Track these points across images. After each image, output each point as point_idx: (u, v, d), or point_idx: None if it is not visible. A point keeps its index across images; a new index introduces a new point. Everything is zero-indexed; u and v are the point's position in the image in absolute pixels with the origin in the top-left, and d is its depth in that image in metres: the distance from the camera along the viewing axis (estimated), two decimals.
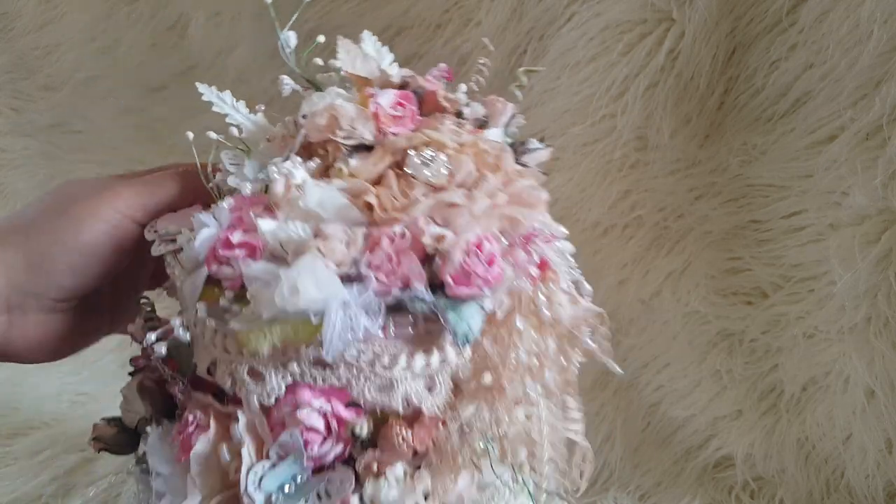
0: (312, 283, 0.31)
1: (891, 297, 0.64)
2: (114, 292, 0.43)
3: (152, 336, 0.35)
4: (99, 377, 0.94)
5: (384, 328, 0.34)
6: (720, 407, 0.74)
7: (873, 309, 0.65)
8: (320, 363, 0.34)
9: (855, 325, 0.66)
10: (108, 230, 0.39)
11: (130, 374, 0.42)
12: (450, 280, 0.33)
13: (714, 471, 0.75)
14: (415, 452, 0.36)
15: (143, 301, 0.42)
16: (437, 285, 0.34)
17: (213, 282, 0.35)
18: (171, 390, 0.39)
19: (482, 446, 0.37)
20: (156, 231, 0.39)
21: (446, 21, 0.79)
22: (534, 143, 0.41)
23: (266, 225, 0.34)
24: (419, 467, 0.36)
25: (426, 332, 0.35)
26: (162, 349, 0.35)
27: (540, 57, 0.74)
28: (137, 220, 0.40)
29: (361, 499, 0.35)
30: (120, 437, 0.42)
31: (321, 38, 0.41)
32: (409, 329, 0.34)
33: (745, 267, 0.72)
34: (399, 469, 0.35)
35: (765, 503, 0.72)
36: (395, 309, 0.34)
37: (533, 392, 0.37)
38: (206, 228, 0.35)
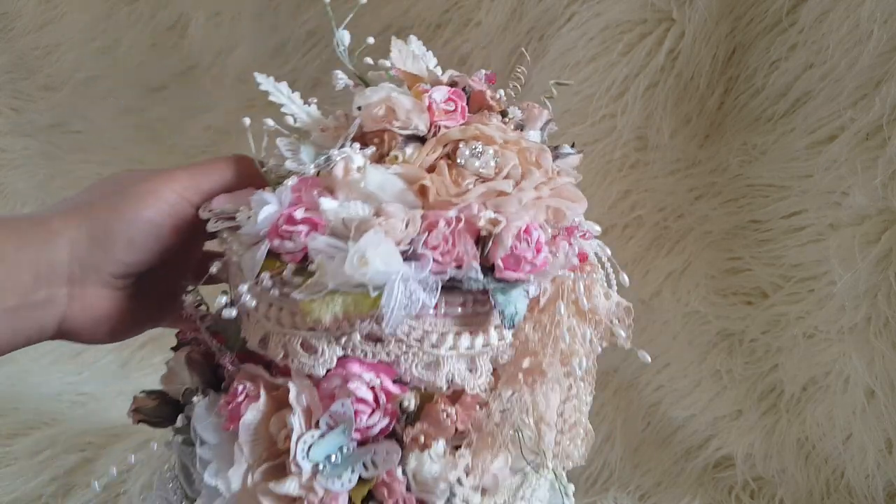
0: (378, 256, 0.33)
1: (891, 297, 0.64)
2: (164, 281, 0.44)
3: (223, 299, 0.37)
4: (99, 377, 0.94)
5: (435, 306, 0.35)
6: (720, 407, 0.74)
7: (873, 309, 0.65)
8: (372, 338, 0.36)
9: (855, 325, 0.66)
10: (167, 209, 0.41)
11: (173, 348, 0.43)
12: (500, 263, 0.36)
13: (714, 471, 0.75)
14: (455, 431, 0.38)
15: (188, 288, 0.43)
16: (486, 269, 0.36)
17: (272, 256, 0.37)
18: (220, 362, 0.40)
19: (515, 432, 0.39)
20: (211, 210, 0.41)
21: (446, 21, 0.79)
22: (567, 148, 0.44)
23: (328, 203, 0.36)
24: (458, 447, 0.38)
25: (474, 313, 0.37)
26: (233, 312, 0.36)
27: (540, 57, 0.74)
28: (193, 202, 0.42)
29: (404, 471, 0.37)
30: (161, 409, 0.43)
31: (371, 40, 0.44)
32: (459, 309, 0.36)
33: (745, 267, 0.72)
34: (441, 446, 0.37)
35: (765, 503, 0.72)
36: (447, 289, 0.36)
37: (575, 375, 0.40)
38: (269, 205, 0.37)
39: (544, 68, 0.74)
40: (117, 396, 0.88)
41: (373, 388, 0.36)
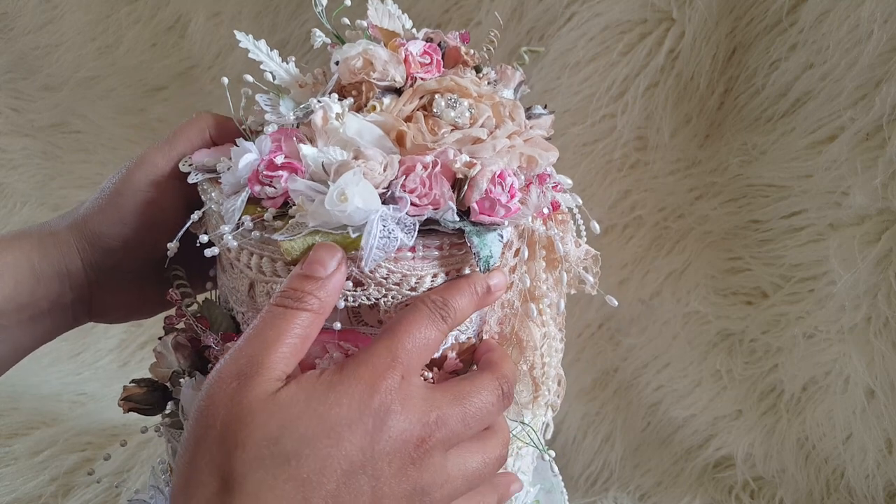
0: (358, 194, 0.34)
1: (891, 297, 0.64)
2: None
3: (205, 237, 0.37)
4: (99, 377, 0.94)
5: (413, 249, 0.36)
6: (720, 407, 0.74)
7: (873, 309, 0.65)
8: (352, 281, 0.36)
9: (855, 325, 0.66)
10: (147, 198, 0.43)
11: (160, 338, 0.44)
12: (475, 206, 0.36)
13: (714, 471, 0.75)
14: None
15: (175, 272, 0.45)
16: (462, 213, 0.37)
17: (252, 203, 0.38)
18: (205, 342, 0.41)
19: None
20: (191, 164, 0.42)
21: (446, 21, 0.79)
22: (539, 108, 0.45)
23: (308, 149, 0.37)
24: None
25: (450, 255, 0.37)
26: (215, 251, 0.37)
27: (540, 57, 0.74)
28: (176, 174, 0.44)
29: None
30: (151, 396, 0.44)
31: (348, 2, 0.45)
32: (436, 252, 0.37)
33: (745, 267, 0.72)
34: None
35: (765, 503, 0.72)
36: (424, 233, 0.36)
37: (550, 319, 0.41)
38: (249, 153, 0.38)
39: (544, 68, 0.74)
40: (117, 396, 0.88)
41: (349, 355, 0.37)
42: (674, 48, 0.70)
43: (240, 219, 0.36)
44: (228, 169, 0.39)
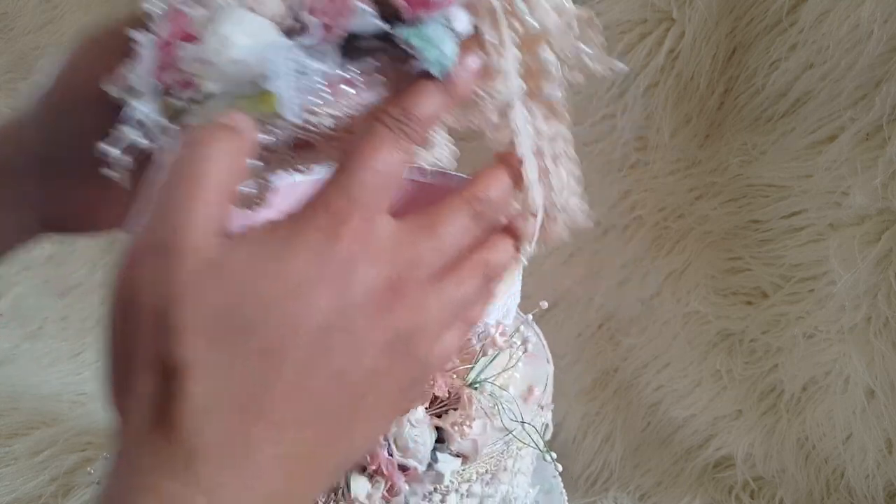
0: (241, 32, 0.28)
1: (891, 297, 0.64)
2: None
3: (110, 149, 0.31)
4: (99, 377, 0.94)
5: (349, 82, 0.29)
6: (720, 407, 0.74)
7: (873, 309, 0.65)
8: (298, 144, 0.31)
9: (855, 325, 0.66)
10: (92, 74, 0.36)
11: None
12: (403, 1, 0.28)
13: (714, 471, 0.75)
14: (434, 398, 0.39)
15: None
16: (391, 19, 0.28)
17: (166, 95, 0.31)
18: None
19: (492, 403, 0.41)
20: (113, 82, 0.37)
21: None
22: None
23: (193, 10, 0.30)
24: (439, 416, 0.39)
25: (397, 77, 0.29)
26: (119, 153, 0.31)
27: None
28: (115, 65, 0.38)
29: (385, 437, 0.38)
30: None
31: None
32: (377, 76, 0.29)
33: (745, 267, 0.72)
34: (420, 412, 0.38)
35: (765, 503, 0.72)
36: (354, 60, 0.29)
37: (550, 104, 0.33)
38: (144, 49, 0.31)
39: None
40: None
41: None
42: (674, 48, 0.70)
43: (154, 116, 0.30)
44: (133, 71, 0.32)
